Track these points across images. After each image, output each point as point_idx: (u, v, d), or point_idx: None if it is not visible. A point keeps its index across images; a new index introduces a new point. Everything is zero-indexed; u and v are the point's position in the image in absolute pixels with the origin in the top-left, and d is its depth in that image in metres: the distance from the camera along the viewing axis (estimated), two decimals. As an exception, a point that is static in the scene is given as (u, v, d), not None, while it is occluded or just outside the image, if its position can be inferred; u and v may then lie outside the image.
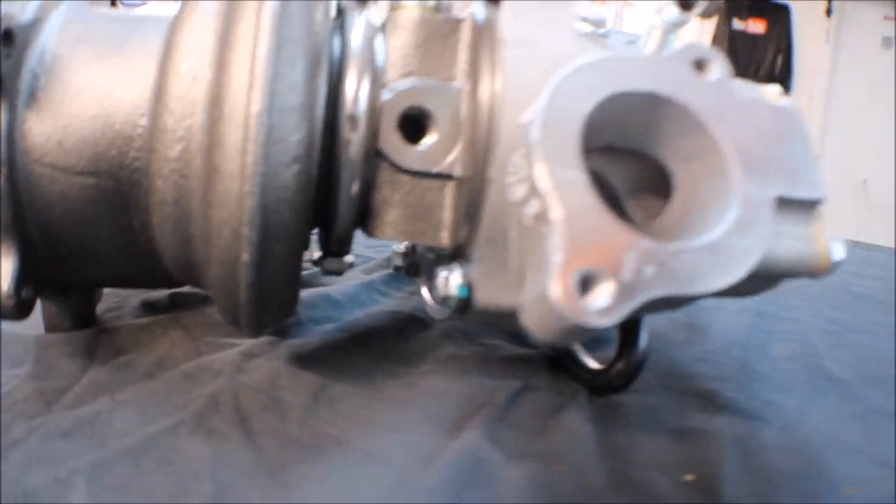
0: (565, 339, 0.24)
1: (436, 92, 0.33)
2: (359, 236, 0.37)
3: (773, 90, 0.34)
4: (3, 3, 0.31)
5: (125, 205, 0.33)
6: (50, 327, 0.40)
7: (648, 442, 0.35)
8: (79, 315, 0.40)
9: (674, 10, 0.34)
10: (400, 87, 0.33)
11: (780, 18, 3.09)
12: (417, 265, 0.51)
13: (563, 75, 0.27)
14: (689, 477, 0.32)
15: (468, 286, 0.32)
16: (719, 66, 0.30)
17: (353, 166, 0.33)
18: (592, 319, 0.23)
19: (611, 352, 0.39)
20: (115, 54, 0.32)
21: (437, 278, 0.33)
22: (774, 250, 0.28)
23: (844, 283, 0.68)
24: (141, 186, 0.32)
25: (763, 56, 3.07)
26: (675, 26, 0.36)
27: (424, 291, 0.46)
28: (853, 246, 0.84)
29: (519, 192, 0.26)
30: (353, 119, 0.32)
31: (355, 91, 0.32)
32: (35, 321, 0.39)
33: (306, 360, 0.41)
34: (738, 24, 3.09)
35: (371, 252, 0.65)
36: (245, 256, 0.30)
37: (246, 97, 0.27)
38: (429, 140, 0.33)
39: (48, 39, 0.32)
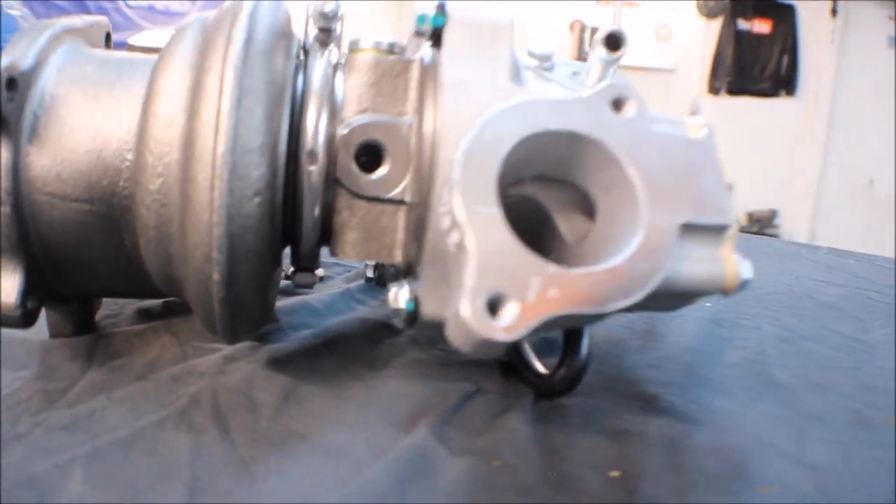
0: (479, 351, 0.28)
1: (387, 127, 0.37)
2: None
3: (696, 122, 0.38)
4: (7, 51, 0.35)
5: (117, 227, 0.38)
6: (53, 333, 0.44)
7: (583, 441, 0.39)
8: (79, 322, 0.45)
9: (603, 51, 0.38)
10: (355, 123, 0.37)
11: (785, 18, 3.09)
12: (384, 277, 0.55)
13: (484, 120, 0.30)
14: (614, 474, 0.36)
15: (415, 300, 0.36)
16: (635, 105, 0.33)
17: (314, 193, 0.37)
18: (498, 335, 0.27)
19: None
20: (106, 96, 0.36)
21: (388, 293, 0.37)
22: (681, 271, 0.32)
23: (810, 291, 0.71)
24: (129, 212, 0.37)
25: (769, 56, 3.08)
26: (610, 63, 0.40)
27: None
28: (826, 253, 0.87)
29: (445, 222, 0.30)
30: (312, 153, 0.36)
31: (314, 126, 0.36)
32: (40, 327, 0.43)
33: (281, 363, 0.45)
34: (743, 24, 3.10)
35: (354, 262, 0.69)
36: (216, 276, 0.34)
37: (213, 140, 0.32)
38: (382, 170, 0.37)
39: (47, 81, 0.36)
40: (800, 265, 0.80)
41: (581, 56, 3.84)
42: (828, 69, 3.04)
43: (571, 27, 3.86)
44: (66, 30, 0.39)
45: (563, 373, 0.42)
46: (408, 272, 0.39)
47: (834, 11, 3.05)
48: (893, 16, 2.99)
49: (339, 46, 0.40)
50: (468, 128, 0.32)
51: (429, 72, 0.37)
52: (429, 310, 0.35)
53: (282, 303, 0.55)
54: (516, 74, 0.37)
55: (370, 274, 0.55)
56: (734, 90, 3.38)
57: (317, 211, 0.37)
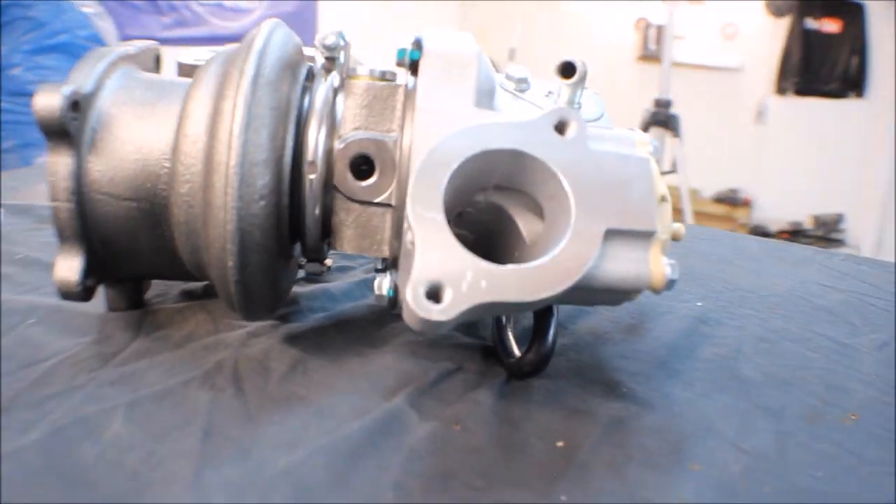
0: (423, 328, 0.35)
1: (377, 142, 0.44)
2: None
3: (641, 138, 0.43)
4: (71, 77, 0.44)
5: (157, 221, 0.46)
6: (110, 307, 0.53)
7: (539, 415, 0.45)
8: (131, 299, 0.53)
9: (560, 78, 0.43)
10: (350, 138, 0.44)
11: (854, 18, 2.99)
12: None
13: (440, 141, 0.37)
14: (560, 444, 0.42)
15: (394, 288, 0.43)
16: (576, 127, 0.39)
17: (315, 197, 0.44)
18: (434, 316, 0.33)
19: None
20: (149, 115, 0.45)
21: (374, 281, 0.44)
22: (608, 269, 0.38)
23: (810, 295, 0.73)
24: (166, 209, 0.45)
25: (837, 56, 2.98)
26: (577, 86, 0.46)
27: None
28: (843, 259, 0.88)
29: (405, 224, 0.37)
30: (312, 163, 0.43)
31: (315, 141, 0.44)
32: (99, 302, 0.52)
33: (296, 339, 0.53)
34: (811, 23, 3.02)
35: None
36: (230, 263, 0.42)
37: (227, 155, 0.39)
38: (372, 179, 0.44)
39: (104, 103, 0.45)
40: (810, 270, 0.82)
41: (645, 53, 3.82)
42: (899, 70, 2.93)
43: (636, 24, 3.83)
44: (121, 56, 0.48)
45: (531, 357, 0.48)
46: (393, 264, 0.46)
47: (905, 10, 2.94)
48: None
49: (346, 70, 0.47)
50: (431, 146, 0.38)
51: (410, 96, 0.43)
52: (403, 296, 0.42)
53: (305, 289, 0.62)
54: (486, 97, 0.43)
55: (378, 266, 0.62)
56: (802, 91, 3.29)
57: (317, 211, 0.45)
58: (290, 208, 0.45)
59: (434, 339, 0.54)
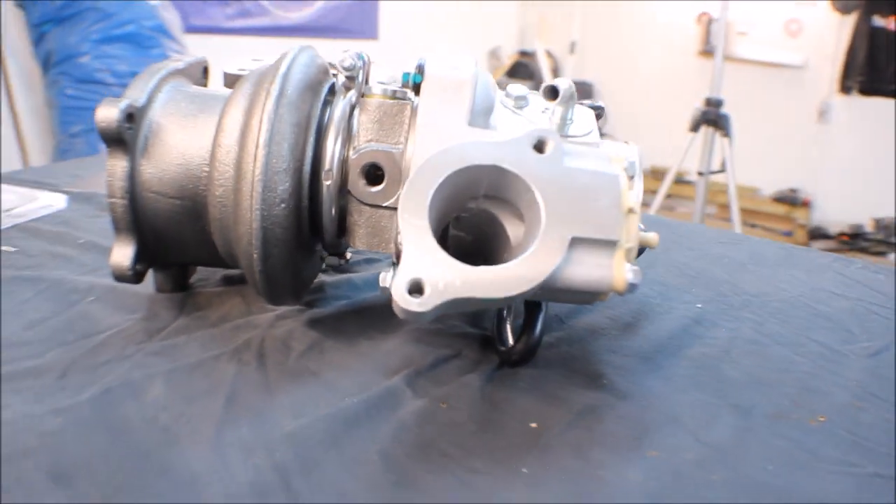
0: (408, 318, 0.41)
1: (386, 153, 0.50)
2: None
3: (618, 154, 0.47)
4: (127, 91, 0.52)
5: (198, 216, 0.53)
6: (158, 289, 0.61)
7: (519, 399, 0.50)
8: (176, 282, 0.61)
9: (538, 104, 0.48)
10: (363, 149, 0.50)
11: (924, 16, 2.87)
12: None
13: (430, 157, 0.43)
14: (532, 425, 0.47)
15: (395, 282, 0.49)
16: (553, 145, 0.44)
17: (331, 200, 0.51)
18: (413, 308, 0.39)
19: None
20: (192, 126, 0.52)
21: (381, 275, 0.50)
22: (573, 272, 0.43)
23: (814, 302, 0.74)
24: (205, 207, 0.52)
25: (905, 55, 2.87)
26: (569, 103, 0.51)
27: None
28: (860, 267, 0.89)
29: (398, 228, 0.43)
30: (328, 171, 0.50)
31: (331, 151, 0.50)
32: (148, 284, 0.60)
33: (317, 323, 0.59)
34: (879, 20, 2.92)
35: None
36: (255, 255, 0.49)
37: (252, 165, 0.46)
38: (381, 185, 0.50)
39: (155, 113, 0.52)
40: (823, 277, 0.83)
41: (706, 48, 3.75)
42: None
43: (698, 19, 3.78)
44: (170, 72, 0.55)
45: (519, 347, 0.53)
46: (398, 261, 0.52)
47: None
48: None
49: (362, 87, 0.53)
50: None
51: (414, 113, 0.49)
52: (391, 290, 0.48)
53: (332, 278, 0.69)
54: (481, 115, 0.49)
55: (394, 260, 0.68)
56: (866, 90, 3.18)
57: (333, 212, 0.51)
58: (311, 209, 0.51)
59: (439, 328, 0.60)
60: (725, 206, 3.88)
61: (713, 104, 2.32)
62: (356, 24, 3.78)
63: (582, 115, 0.53)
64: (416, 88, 0.49)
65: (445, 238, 0.51)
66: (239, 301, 0.62)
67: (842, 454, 0.47)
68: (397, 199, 0.50)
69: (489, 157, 0.43)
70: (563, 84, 0.48)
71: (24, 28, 2.32)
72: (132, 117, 0.50)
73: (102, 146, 0.51)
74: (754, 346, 0.63)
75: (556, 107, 0.51)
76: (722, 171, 2.36)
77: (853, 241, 3.39)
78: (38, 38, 2.30)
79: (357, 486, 0.41)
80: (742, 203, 3.92)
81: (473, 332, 0.60)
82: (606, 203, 0.43)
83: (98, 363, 0.50)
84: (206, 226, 0.53)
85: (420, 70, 0.48)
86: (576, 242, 0.42)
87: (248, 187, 0.47)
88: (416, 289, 0.40)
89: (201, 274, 0.67)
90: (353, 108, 0.52)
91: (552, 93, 0.47)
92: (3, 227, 0.76)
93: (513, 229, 0.48)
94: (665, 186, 2.60)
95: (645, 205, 4.18)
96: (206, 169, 0.51)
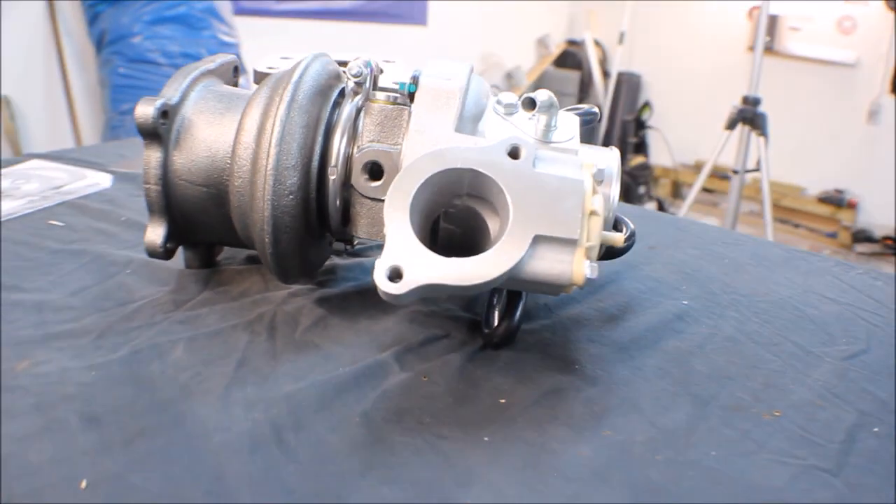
0: (388, 300, 0.47)
1: (385, 153, 0.56)
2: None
3: (589, 161, 0.52)
4: (163, 90, 0.59)
5: (222, 203, 0.60)
6: (187, 265, 0.69)
7: (495, 377, 0.56)
8: (204, 259, 0.69)
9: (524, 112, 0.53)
10: (365, 148, 0.57)
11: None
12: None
13: (415, 159, 0.48)
14: (502, 400, 0.53)
15: (387, 268, 0.55)
16: (525, 151, 0.49)
17: (335, 192, 0.57)
18: (391, 291, 0.45)
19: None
20: (218, 123, 0.59)
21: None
22: (535, 266, 0.48)
23: (803, 305, 0.76)
24: (227, 194, 0.59)
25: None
26: (551, 111, 0.55)
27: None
28: (861, 273, 0.91)
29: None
30: (334, 167, 0.56)
31: (337, 148, 0.56)
32: (178, 261, 0.68)
33: (325, 301, 0.66)
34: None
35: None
36: (266, 239, 0.55)
37: (266, 161, 0.53)
38: (381, 181, 0.56)
39: (186, 110, 0.59)
40: (819, 280, 0.85)
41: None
42: None
43: (749, 14, 3.71)
44: (202, 72, 0.62)
45: (500, 331, 0.59)
46: (387, 250, 0.58)
47: None
48: None
49: (368, 92, 0.59)
50: (419, 160, 0.50)
51: (410, 117, 0.55)
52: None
53: (345, 262, 0.76)
54: (469, 122, 0.54)
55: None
56: (918, 92, 3.09)
57: (338, 203, 0.58)
58: (318, 200, 0.58)
59: (434, 310, 0.66)
60: (756, 198, 3.84)
61: (750, 102, 2.30)
62: (406, 10, 3.84)
63: (566, 122, 0.58)
64: (412, 97, 0.54)
65: (436, 230, 0.57)
66: (258, 279, 0.69)
67: (788, 447, 0.51)
68: (394, 194, 0.56)
69: (468, 161, 0.48)
70: (542, 96, 0.52)
71: (79, 8, 2.45)
72: (166, 114, 0.57)
73: None
74: (729, 343, 0.67)
75: (539, 115, 0.56)
76: (756, 170, 2.35)
77: (897, 245, 3.32)
78: (92, 18, 2.42)
79: (339, 443, 0.47)
80: (786, 202, 3.87)
81: (465, 315, 0.66)
82: (570, 205, 0.48)
83: (130, 328, 0.58)
84: (228, 211, 0.60)
85: (415, 81, 0.54)
86: (539, 240, 0.47)
87: (262, 180, 0.53)
88: (395, 275, 0.46)
89: (228, 253, 0.74)
90: (359, 110, 0.58)
91: (530, 104, 0.52)
92: (54, 203, 0.85)
93: (493, 224, 0.53)
94: (700, 182, 2.59)
95: (680, 198, 4.13)
96: (229, 162, 0.58)
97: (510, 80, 4.47)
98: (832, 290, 0.83)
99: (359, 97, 0.58)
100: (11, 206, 0.84)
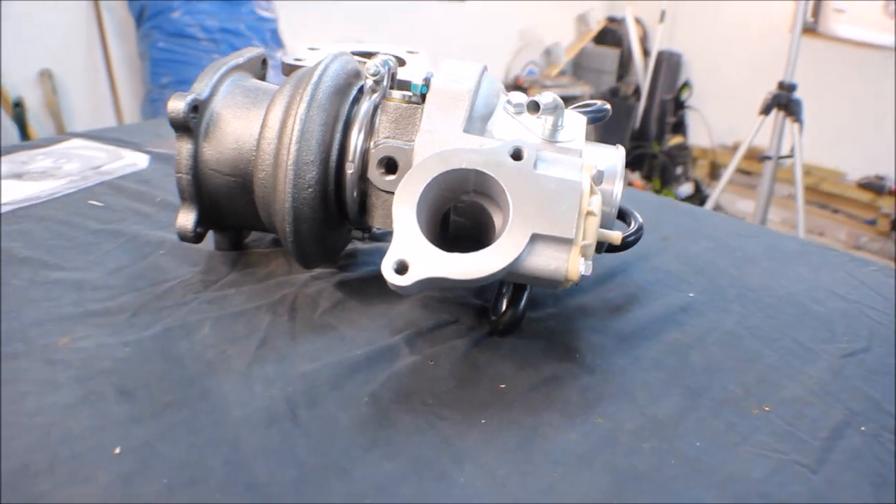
0: (395, 290, 0.50)
1: (399, 149, 0.59)
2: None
3: (589, 164, 0.55)
4: (194, 86, 0.63)
5: (248, 191, 0.64)
6: (216, 247, 0.73)
7: (498, 363, 0.59)
8: (233, 242, 0.73)
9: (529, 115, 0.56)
10: (381, 144, 0.60)
11: None
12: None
13: (424, 159, 0.52)
14: (502, 385, 0.57)
15: (398, 258, 0.59)
16: (527, 153, 0.52)
17: (352, 185, 0.60)
18: (397, 282, 0.49)
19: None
20: (244, 117, 0.62)
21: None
22: (532, 262, 0.51)
23: (811, 301, 0.77)
24: (252, 184, 0.63)
25: None
26: (557, 112, 0.58)
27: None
28: (875, 269, 0.92)
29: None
30: (351, 161, 0.60)
31: (354, 144, 0.60)
32: (209, 243, 0.72)
33: (343, 284, 0.70)
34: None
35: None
36: (287, 228, 0.59)
37: (286, 156, 0.56)
38: (396, 175, 0.60)
39: (216, 105, 0.63)
40: (830, 276, 0.86)
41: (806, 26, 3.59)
42: None
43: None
44: (232, 67, 0.66)
45: (504, 319, 0.62)
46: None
47: None
48: None
49: (385, 90, 0.62)
50: (428, 158, 0.53)
51: (422, 117, 0.58)
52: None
53: (366, 246, 0.79)
54: (478, 121, 0.57)
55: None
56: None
57: (355, 195, 0.61)
58: (336, 192, 0.61)
59: (446, 296, 0.69)
60: (807, 189, 3.76)
61: (786, 88, 2.26)
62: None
63: (572, 122, 0.60)
64: (423, 98, 0.57)
65: (447, 223, 0.60)
66: (283, 261, 0.73)
67: (772, 441, 0.53)
68: (407, 188, 0.60)
69: (472, 162, 0.52)
70: (546, 99, 0.55)
71: (119, -18, 2.50)
72: (196, 108, 0.61)
73: None
74: (729, 337, 0.69)
75: (545, 116, 0.58)
76: (790, 156, 2.32)
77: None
78: (132, -7, 2.48)
79: (348, 420, 0.51)
80: (825, 186, 3.79)
81: (475, 302, 0.69)
82: (566, 206, 0.51)
83: (162, 307, 0.63)
84: (252, 199, 0.64)
85: (427, 82, 0.57)
86: (536, 238, 0.50)
87: (283, 174, 0.57)
88: (401, 268, 0.49)
89: (255, 235, 0.79)
90: (376, 107, 0.61)
91: (534, 107, 0.55)
92: (93, 183, 0.90)
93: (497, 218, 0.56)
94: (734, 163, 2.57)
95: (718, 180, 4.08)
96: (255, 154, 0.62)
97: (549, 56, 4.44)
98: (842, 287, 0.84)
99: (376, 95, 0.61)
100: (54, 186, 0.89)
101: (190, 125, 0.61)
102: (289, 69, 0.74)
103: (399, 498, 0.45)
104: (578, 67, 4.66)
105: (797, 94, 2.28)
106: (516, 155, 0.52)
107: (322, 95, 0.58)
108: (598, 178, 0.54)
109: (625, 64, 4.63)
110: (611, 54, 4.59)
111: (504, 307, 0.63)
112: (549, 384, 0.58)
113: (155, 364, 0.55)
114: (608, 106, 0.68)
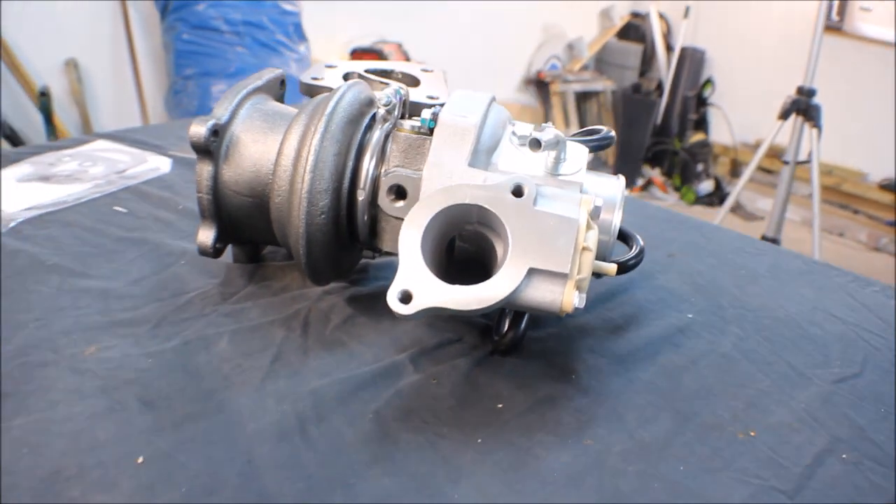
0: (402, 318, 0.53)
1: (408, 177, 0.62)
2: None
3: (587, 199, 0.57)
4: (214, 109, 0.66)
5: (265, 211, 0.68)
6: (234, 260, 0.77)
7: (497, 383, 0.62)
8: (250, 256, 0.77)
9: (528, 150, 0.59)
10: (391, 172, 0.63)
11: None
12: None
13: (430, 193, 0.55)
14: (499, 405, 0.60)
15: (404, 281, 0.62)
16: (527, 190, 0.55)
17: (363, 210, 0.64)
18: (401, 311, 0.52)
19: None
20: (262, 140, 0.66)
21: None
22: (529, 295, 0.54)
23: (809, 323, 0.78)
24: (268, 206, 0.66)
25: None
26: (560, 145, 0.60)
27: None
28: (876, 290, 0.93)
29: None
30: (362, 189, 0.63)
31: (365, 171, 0.63)
32: (227, 256, 0.76)
33: (354, 300, 0.73)
34: None
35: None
36: (301, 250, 0.63)
37: (301, 185, 0.60)
38: (404, 202, 0.63)
39: (235, 128, 0.67)
40: (831, 297, 0.88)
41: (826, 24, 3.55)
42: None
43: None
44: (251, 90, 0.69)
45: (506, 340, 0.65)
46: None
47: None
48: None
49: (396, 120, 0.65)
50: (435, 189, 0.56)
51: (430, 149, 0.61)
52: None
53: (380, 261, 0.83)
54: (484, 154, 0.60)
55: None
56: None
57: (365, 219, 0.65)
58: (348, 216, 0.65)
59: (451, 316, 0.72)
60: (828, 189, 3.74)
61: (805, 93, 2.25)
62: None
63: (574, 154, 0.62)
64: (432, 131, 0.60)
65: (452, 248, 0.63)
66: (297, 275, 0.77)
67: (754, 467, 0.56)
68: (415, 214, 0.63)
69: (476, 197, 0.54)
70: (547, 136, 0.57)
71: (144, -26, 2.55)
72: (217, 133, 0.65)
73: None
74: (723, 360, 0.71)
75: (551, 150, 0.61)
76: (807, 161, 2.31)
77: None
78: (157, -16, 2.53)
79: (353, 436, 0.55)
80: (846, 187, 3.76)
81: (479, 321, 0.72)
82: (563, 242, 0.54)
83: (182, 318, 0.67)
84: (269, 218, 0.68)
85: (435, 117, 0.60)
86: (533, 272, 0.53)
87: (297, 201, 0.61)
88: (405, 297, 0.52)
89: (272, 247, 0.82)
90: (387, 136, 0.64)
91: (536, 144, 0.57)
92: (118, 188, 0.94)
93: (499, 247, 0.59)
94: (754, 163, 2.56)
95: (736, 176, 4.04)
96: (271, 177, 0.65)
97: (571, 50, 4.43)
98: (841, 309, 0.85)
99: (388, 124, 0.64)
100: (80, 190, 0.93)
101: (210, 149, 0.64)
102: (307, 88, 0.78)
103: (397, 513, 0.48)
104: (601, 62, 4.64)
105: (817, 99, 2.27)
106: (517, 192, 0.55)
107: (335, 126, 0.61)
108: (595, 214, 0.57)
109: (648, 59, 4.60)
110: (634, 50, 4.57)
111: (506, 328, 0.66)
112: (545, 405, 0.61)
113: (175, 376, 0.59)
114: (612, 133, 0.70)
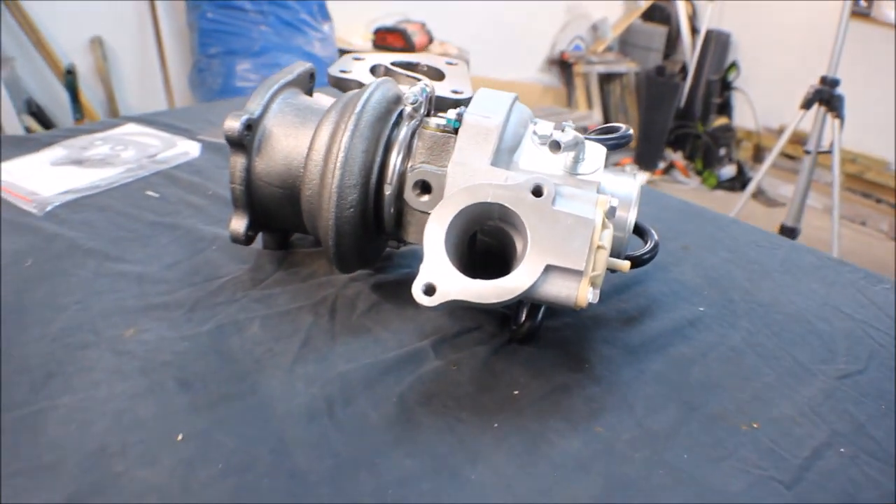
0: (426, 310, 0.57)
1: (433, 173, 0.65)
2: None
3: (603, 199, 0.60)
4: (247, 104, 0.69)
5: (295, 201, 0.71)
6: (264, 246, 0.80)
7: (514, 370, 0.66)
8: (280, 242, 0.80)
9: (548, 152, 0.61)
10: (417, 168, 0.66)
11: None
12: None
13: (454, 192, 0.57)
14: (516, 392, 0.63)
15: (427, 273, 0.65)
16: (547, 190, 0.58)
17: (389, 204, 0.67)
18: (425, 303, 0.55)
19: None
20: (293, 135, 0.69)
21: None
22: (546, 290, 0.57)
23: (817, 318, 0.79)
24: (299, 197, 0.70)
25: None
26: (579, 146, 0.63)
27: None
28: (887, 287, 0.94)
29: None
30: (389, 183, 0.66)
31: (392, 166, 0.66)
32: (258, 243, 0.79)
33: (379, 287, 0.77)
34: None
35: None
36: (330, 242, 0.66)
37: (331, 179, 0.63)
38: (428, 197, 0.66)
39: (267, 122, 0.70)
40: (841, 293, 0.89)
41: (854, 9, 3.49)
42: None
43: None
44: (282, 85, 0.72)
45: (523, 329, 0.69)
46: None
47: None
48: None
49: (423, 117, 0.68)
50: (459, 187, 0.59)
51: (454, 148, 0.64)
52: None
53: (404, 250, 0.86)
54: (506, 153, 0.63)
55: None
56: None
57: (392, 211, 0.68)
58: (375, 209, 0.68)
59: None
60: (851, 177, 3.71)
61: (828, 83, 2.24)
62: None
63: (593, 153, 0.65)
64: (456, 131, 0.63)
65: (474, 241, 0.66)
66: (324, 263, 0.80)
67: (755, 457, 0.58)
68: (439, 209, 0.66)
69: (497, 196, 0.57)
70: (566, 137, 0.60)
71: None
72: (250, 127, 0.68)
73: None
74: (732, 353, 0.73)
75: (570, 150, 0.64)
76: (829, 151, 2.30)
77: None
78: (181, -37, 2.55)
79: (378, 418, 0.58)
80: (870, 175, 3.72)
81: (498, 311, 0.75)
82: (579, 241, 0.56)
83: (216, 303, 0.70)
84: (300, 208, 0.71)
85: (459, 117, 0.63)
86: (550, 268, 0.56)
87: (328, 195, 0.64)
88: (429, 290, 0.56)
89: (300, 234, 0.86)
90: (413, 132, 0.67)
91: (555, 146, 0.60)
92: (149, 172, 0.98)
93: (518, 243, 0.62)
94: (777, 149, 2.55)
95: (759, 162, 4.01)
96: (302, 170, 0.68)
97: (595, 32, 4.40)
98: (850, 305, 0.86)
99: (414, 121, 0.67)
100: (112, 175, 0.97)
101: (244, 142, 0.67)
102: (335, 80, 0.80)
103: (418, 491, 0.52)
104: (625, 44, 4.60)
105: (841, 88, 2.25)
106: (537, 191, 0.58)
107: (364, 124, 0.64)
108: (610, 213, 0.59)
109: (672, 42, 4.56)
110: (658, 32, 4.52)
111: (523, 318, 0.69)
112: (559, 393, 0.64)
113: (210, 359, 0.63)
114: (631, 131, 0.73)
